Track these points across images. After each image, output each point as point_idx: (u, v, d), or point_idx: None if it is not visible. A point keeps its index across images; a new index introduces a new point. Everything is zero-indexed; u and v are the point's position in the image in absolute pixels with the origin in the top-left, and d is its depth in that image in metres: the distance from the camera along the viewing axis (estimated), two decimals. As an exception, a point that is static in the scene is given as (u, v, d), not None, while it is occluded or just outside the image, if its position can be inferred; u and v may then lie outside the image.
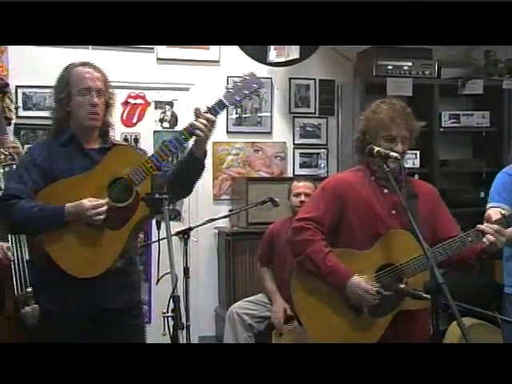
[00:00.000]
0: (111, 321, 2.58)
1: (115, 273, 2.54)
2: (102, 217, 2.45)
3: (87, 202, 2.45)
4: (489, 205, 2.98)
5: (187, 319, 3.65)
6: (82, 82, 2.58)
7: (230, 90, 2.57)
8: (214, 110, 2.54)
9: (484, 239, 2.44)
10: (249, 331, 4.18)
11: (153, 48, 5.24)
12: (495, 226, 2.44)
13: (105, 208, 2.46)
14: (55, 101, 2.65)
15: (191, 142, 2.60)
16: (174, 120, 5.42)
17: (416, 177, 5.06)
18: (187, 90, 5.42)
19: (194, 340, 5.32)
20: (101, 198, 2.49)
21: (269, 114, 5.57)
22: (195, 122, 2.50)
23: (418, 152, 5.28)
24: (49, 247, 2.53)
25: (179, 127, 5.40)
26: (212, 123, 2.51)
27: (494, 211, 2.85)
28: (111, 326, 2.58)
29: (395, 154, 2.49)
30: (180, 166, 2.64)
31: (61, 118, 2.64)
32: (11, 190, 2.55)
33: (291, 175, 5.55)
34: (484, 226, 2.46)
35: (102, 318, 2.56)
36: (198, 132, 2.48)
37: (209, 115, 2.51)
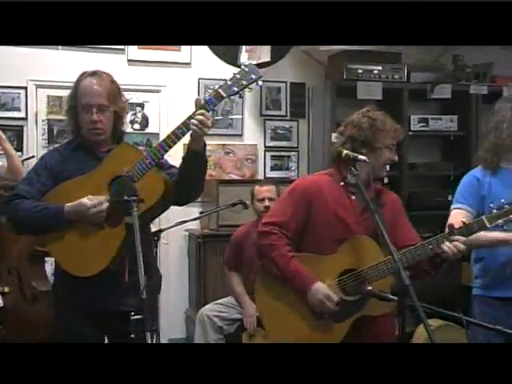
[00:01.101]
0: (121, 323, 2.52)
1: (126, 273, 2.53)
2: (103, 214, 2.47)
3: (87, 200, 2.47)
4: (453, 206, 3.03)
5: (156, 321, 3.64)
6: (84, 97, 2.59)
7: (227, 82, 2.53)
8: (212, 102, 2.51)
9: (443, 245, 2.48)
10: (219, 333, 4.18)
11: (123, 49, 5.22)
12: (459, 243, 2.48)
13: (105, 205, 2.48)
14: (67, 111, 2.70)
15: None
16: (144, 122, 5.40)
17: (385, 180, 5.12)
18: (158, 91, 5.40)
19: (164, 342, 5.30)
20: (101, 196, 2.51)
21: (240, 117, 5.58)
22: (193, 115, 2.48)
23: (387, 155, 5.33)
24: (50, 246, 2.59)
25: (150, 129, 5.40)
26: (209, 118, 2.47)
27: (457, 216, 2.89)
28: (121, 328, 2.54)
29: (363, 157, 2.51)
30: (182, 165, 2.62)
31: (71, 125, 2.69)
32: (18, 190, 2.62)
33: (262, 178, 5.56)
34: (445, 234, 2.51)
35: (111, 320, 2.57)
36: (194, 127, 2.46)
37: (204, 111, 2.48)
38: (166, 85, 5.39)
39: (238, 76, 2.53)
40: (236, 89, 2.51)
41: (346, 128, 2.70)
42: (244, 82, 2.52)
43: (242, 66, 2.57)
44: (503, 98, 3.16)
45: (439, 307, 2.25)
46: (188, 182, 2.62)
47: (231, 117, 5.57)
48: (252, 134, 5.67)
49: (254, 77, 2.52)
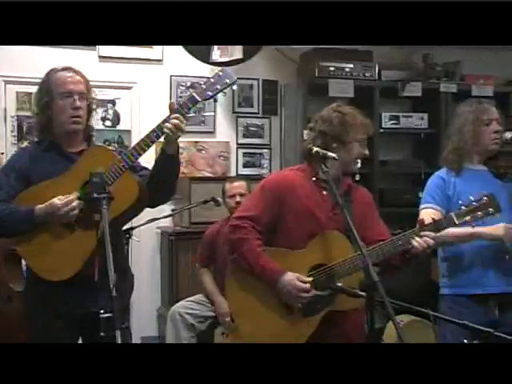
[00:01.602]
0: (94, 323, 2.53)
1: (97, 273, 2.51)
2: (74, 212, 2.45)
3: (57, 200, 2.45)
4: (422, 206, 3.07)
5: (128, 319, 3.62)
6: (64, 85, 2.58)
7: (202, 86, 2.55)
8: (186, 106, 2.53)
9: (412, 241, 2.51)
10: (191, 331, 4.17)
11: (95, 45, 5.17)
12: (426, 232, 2.51)
13: (76, 204, 2.45)
14: (37, 106, 2.65)
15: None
16: (116, 119, 5.36)
17: (357, 177, 5.14)
18: (129, 88, 5.37)
19: (136, 340, 5.27)
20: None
21: (212, 114, 5.57)
22: (167, 119, 2.50)
23: (358, 152, 5.38)
24: (20, 249, 2.56)
25: (121, 126, 5.37)
26: (182, 121, 2.51)
27: (426, 215, 2.93)
28: (94, 327, 2.54)
29: (333, 155, 2.52)
30: (155, 167, 2.63)
31: (43, 123, 2.65)
32: None
33: (234, 175, 5.56)
34: (414, 230, 2.53)
35: (84, 320, 2.55)
36: (167, 130, 2.48)
37: (178, 114, 2.50)
38: (138, 81, 5.36)
39: (212, 80, 2.55)
40: (210, 93, 2.53)
41: (316, 123, 2.72)
42: (218, 87, 2.54)
43: (217, 71, 2.59)
44: (466, 101, 3.19)
45: (410, 303, 2.27)
46: (160, 185, 2.62)
47: (203, 114, 5.55)
48: (224, 131, 5.67)
49: (228, 81, 2.54)
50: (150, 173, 2.65)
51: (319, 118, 2.72)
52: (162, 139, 2.58)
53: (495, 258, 2.94)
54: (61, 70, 2.64)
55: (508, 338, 1.84)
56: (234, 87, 2.60)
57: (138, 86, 5.37)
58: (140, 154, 2.52)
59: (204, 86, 2.54)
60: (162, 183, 2.63)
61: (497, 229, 2.86)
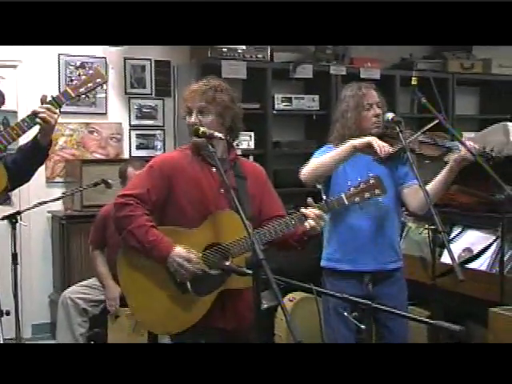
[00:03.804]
0: None
1: None
2: None
3: None
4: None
5: (16, 306, 3.53)
6: None
7: (76, 83, 2.69)
8: (60, 100, 2.60)
9: (306, 223, 2.56)
10: (83, 316, 4.09)
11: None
12: (316, 211, 2.56)
13: None
14: None
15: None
16: (0, 99, 5.14)
17: (251, 158, 5.20)
18: (15, 67, 5.16)
19: (28, 327, 5.14)
20: None
21: (104, 95, 5.44)
22: (38, 110, 2.52)
23: (252, 134, 5.45)
24: None
25: (7, 106, 5.16)
26: (56, 113, 2.56)
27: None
28: None
29: (219, 134, 2.52)
30: (22, 154, 2.62)
31: None
32: None
33: (127, 157, 5.48)
34: (306, 211, 2.57)
35: None
36: (39, 120, 2.51)
37: (51, 106, 2.54)
38: (23, 60, 5.15)
39: (84, 78, 2.72)
40: (83, 90, 2.68)
41: None
42: (90, 85, 2.70)
43: (90, 70, 2.77)
44: (347, 86, 3.21)
45: (301, 279, 2.29)
46: (22, 172, 2.65)
47: (95, 95, 5.40)
48: (116, 113, 5.56)
49: (99, 81, 2.73)
50: (14, 157, 2.64)
51: None
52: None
53: (369, 239, 3.04)
54: None
55: (385, 309, 1.92)
56: (104, 86, 2.71)
57: (24, 64, 5.16)
58: (9, 143, 2.53)
59: (78, 83, 2.69)
60: (24, 171, 2.66)
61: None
